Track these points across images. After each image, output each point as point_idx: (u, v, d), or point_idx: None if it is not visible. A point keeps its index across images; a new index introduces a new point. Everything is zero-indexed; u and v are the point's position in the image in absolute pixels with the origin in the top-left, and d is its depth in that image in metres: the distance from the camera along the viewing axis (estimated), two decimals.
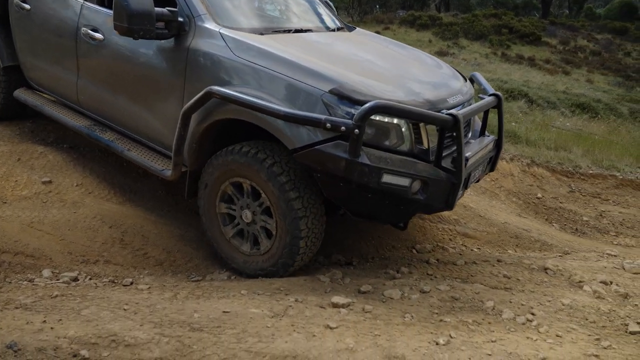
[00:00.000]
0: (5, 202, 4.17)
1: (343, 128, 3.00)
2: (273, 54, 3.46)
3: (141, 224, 4.23)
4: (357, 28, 5.09)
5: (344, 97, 3.15)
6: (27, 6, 4.80)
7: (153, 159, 4.08)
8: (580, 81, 22.52)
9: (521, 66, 23.58)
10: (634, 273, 3.92)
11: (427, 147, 3.36)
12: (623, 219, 6.42)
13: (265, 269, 3.63)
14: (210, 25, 3.70)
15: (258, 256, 3.67)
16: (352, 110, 3.09)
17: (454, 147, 3.40)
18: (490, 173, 4.41)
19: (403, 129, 3.27)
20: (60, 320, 2.62)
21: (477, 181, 4.05)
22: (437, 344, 2.67)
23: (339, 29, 4.81)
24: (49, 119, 5.22)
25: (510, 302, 3.28)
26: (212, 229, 3.85)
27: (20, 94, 5.23)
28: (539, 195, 6.54)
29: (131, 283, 3.51)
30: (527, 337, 2.89)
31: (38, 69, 5.04)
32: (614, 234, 5.98)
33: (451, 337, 2.76)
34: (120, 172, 4.92)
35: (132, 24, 3.41)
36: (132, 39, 3.57)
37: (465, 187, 3.68)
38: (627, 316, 3.28)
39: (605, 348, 2.86)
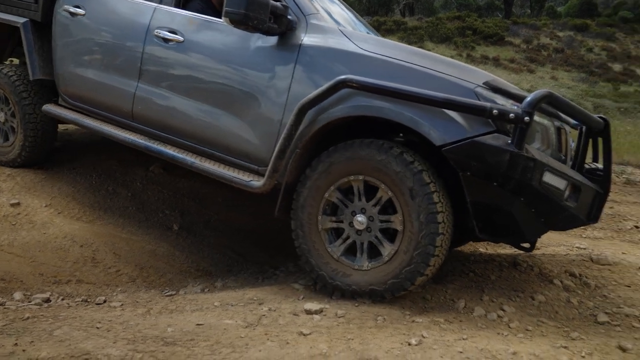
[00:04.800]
0: None
1: (512, 115, 2.76)
2: (409, 48, 3.35)
3: (112, 242, 4.21)
4: None
5: (499, 90, 3.00)
6: (82, 11, 4.51)
7: (233, 170, 3.70)
8: (545, 78, 22.97)
9: (486, 66, 23.97)
10: (602, 265, 3.99)
11: (565, 155, 3.22)
12: None
13: (384, 282, 3.16)
14: (324, 23, 3.57)
15: (381, 266, 3.18)
16: (507, 104, 2.92)
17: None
18: None
19: (550, 132, 3.13)
20: (32, 342, 2.59)
21: None
22: (409, 344, 2.70)
23: None
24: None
25: (481, 299, 3.33)
26: (314, 252, 3.35)
27: (52, 108, 4.76)
28: None
29: (104, 301, 3.49)
30: (498, 333, 2.93)
31: (81, 80, 4.58)
32: (582, 227, 6.07)
33: (423, 337, 2.79)
34: (89, 191, 4.90)
35: (249, 11, 3.21)
36: (219, 40, 3.66)
37: None
38: (596, 307, 3.35)
39: (574, 339, 2.92)
